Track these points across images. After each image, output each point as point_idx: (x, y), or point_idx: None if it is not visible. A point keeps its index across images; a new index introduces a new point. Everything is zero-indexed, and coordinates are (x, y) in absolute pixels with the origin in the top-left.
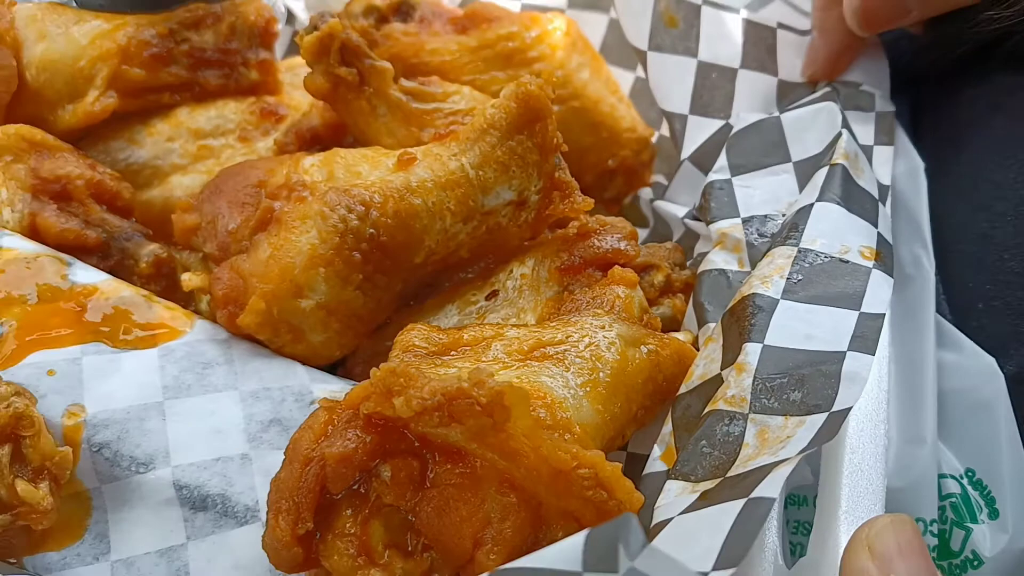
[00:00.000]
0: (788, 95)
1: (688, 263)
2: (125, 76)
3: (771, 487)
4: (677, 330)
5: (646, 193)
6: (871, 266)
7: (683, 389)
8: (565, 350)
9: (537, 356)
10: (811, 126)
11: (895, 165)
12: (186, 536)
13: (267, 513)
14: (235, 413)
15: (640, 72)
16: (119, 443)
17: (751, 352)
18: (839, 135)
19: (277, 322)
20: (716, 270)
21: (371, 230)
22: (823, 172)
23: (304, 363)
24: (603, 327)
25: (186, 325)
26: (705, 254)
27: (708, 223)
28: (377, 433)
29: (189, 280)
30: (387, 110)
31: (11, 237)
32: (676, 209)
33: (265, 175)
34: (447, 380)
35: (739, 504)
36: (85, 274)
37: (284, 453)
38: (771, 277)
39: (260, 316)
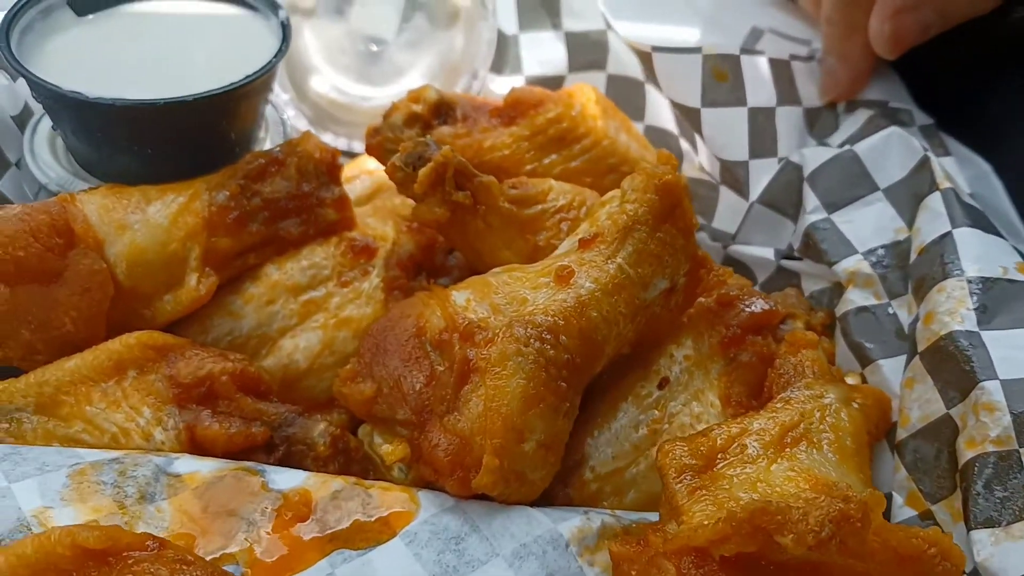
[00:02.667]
0: (815, 122)
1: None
2: (215, 248)
3: None
4: None
5: None
6: None
7: (902, 434)
8: (806, 429)
9: (788, 443)
10: (886, 152)
11: (962, 173)
12: None
13: None
14: None
15: (651, 121)
16: None
17: (993, 390)
18: (926, 158)
19: (508, 473)
20: (857, 308)
21: (566, 356)
22: (937, 198)
23: (523, 503)
24: (822, 395)
25: (409, 503)
26: (818, 292)
27: (829, 264)
28: (751, 570)
29: (392, 452)
30: (500, 223)
31: (182, 460)
32: (758, 251)
33: (417, 321)
34: (821, 507)
35: None
36: (282, 478)
37: None
38: (956, 311)
39: (495, 473)
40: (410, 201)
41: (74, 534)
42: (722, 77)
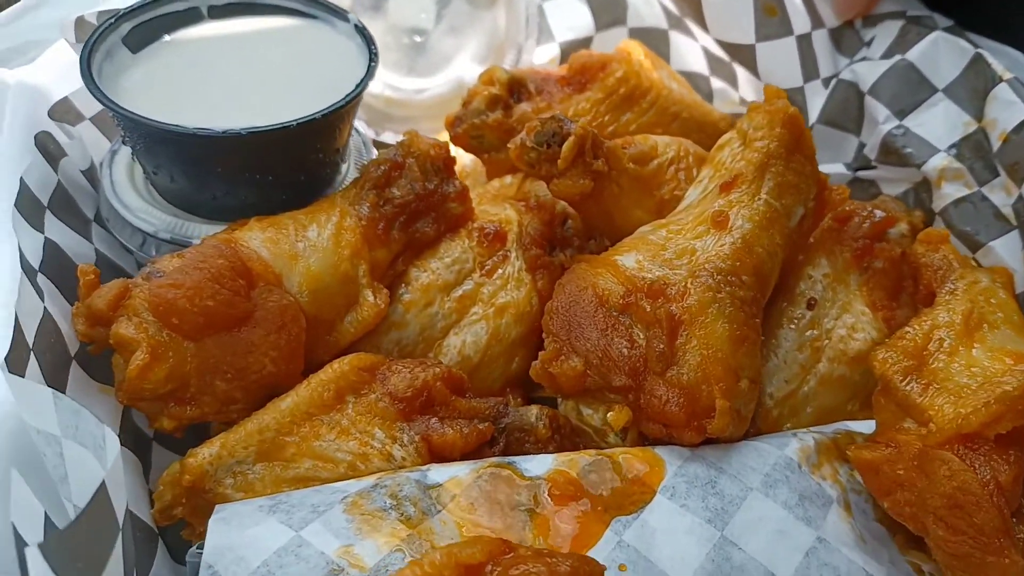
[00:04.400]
0: (841, 41)
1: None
2: (376, 261)
3: None
4: None
5: None
6: None
7: None
8: (980, 313)
9: (973, 328)
10: (936, 56)
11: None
12: None
13: None
14: (774, 508)
15: (676, 67)
16: None
17: None
18: (979, 55)
19: (734, 413)
20: (955, 200)
21: (751, 293)
22: (1005, 88)
23: (734, 440)
24: (978, 280)
25: (653, 461)
26: (901, 195)
27: (918, 167)
28: (1015, 443)
29: (617, 417)
30: (629, 184)
31: (433, 471)
32: (828, 168)
33: (595, 292)
34: None
35: None
36: (533, 465)
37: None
38: None
39: (728, 415)
40: (504, 181)
41: (456, 554)
42: (771, 11)
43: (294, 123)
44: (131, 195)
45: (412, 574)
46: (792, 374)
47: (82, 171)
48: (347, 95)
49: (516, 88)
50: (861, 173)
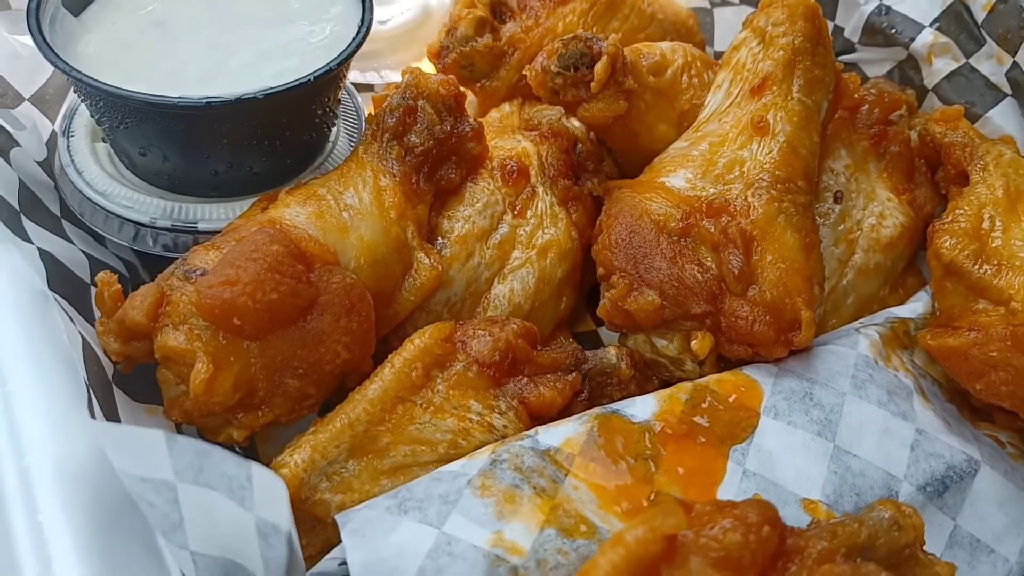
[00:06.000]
0: None
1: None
2: (420, 219)
3: None
4: None
5: None
6: None
7: None
8: (1016, 186)
9: (1014, 201)
10: None
11: None
12: None
13: None
14: (871, 409)
15: None
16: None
17: None
18: None
19: (816, 321)
20: (947, 74)
21: (808, 197)
22: None
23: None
24: (1002, 153)
25: (746, 382)
26: (886, 75)
27: (906, 46)
28: None
29: (702, 344)
30: (653, 98)
31: (542, 434)
32: None
33: (652, 219)
34: None
35: None
36: (637, 410)
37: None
38: None
39: (812, 324)
40: (503, 111)
41: (659, 527)
42: None
43: (311, 77)
44: (107, 182)
45: (617, 554)
46: (832, 269)
47: (37, 162)
48: (355, 36)
49: (498, 7)
50: (843, 57)
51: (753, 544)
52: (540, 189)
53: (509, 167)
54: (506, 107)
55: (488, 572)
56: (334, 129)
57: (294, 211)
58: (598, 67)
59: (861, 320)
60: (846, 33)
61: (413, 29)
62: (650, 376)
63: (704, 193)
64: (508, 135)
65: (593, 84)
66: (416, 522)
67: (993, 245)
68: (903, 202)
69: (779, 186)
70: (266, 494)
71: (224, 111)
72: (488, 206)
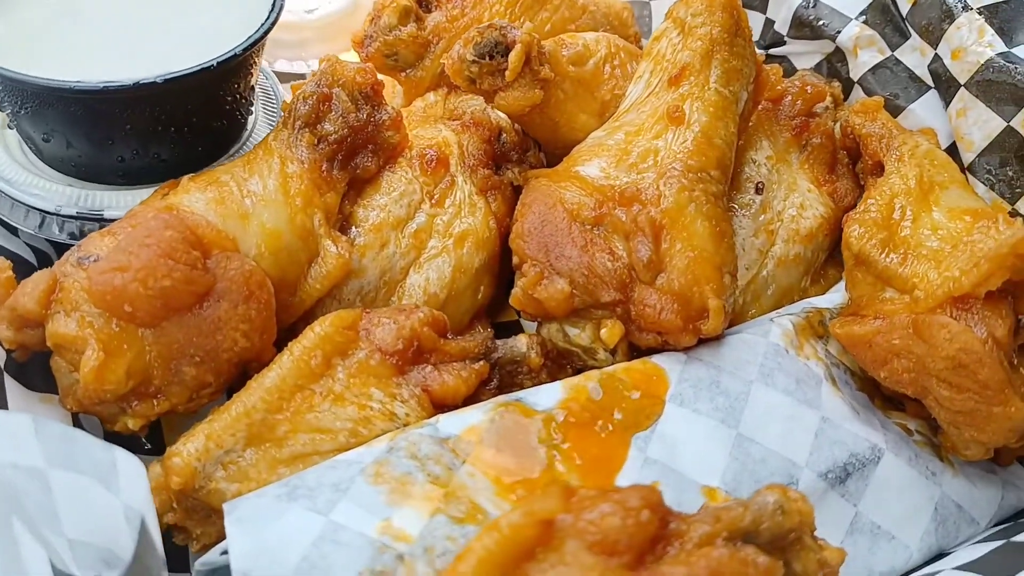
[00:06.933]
0: None
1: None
2: (328, 207)
3: None
4: None
5: None
6: None
7: (969, 157)
8: (929, 176)
9: (927, 191)
10: None
11: None
12: None
13: None
14: (777, 397)
15: None
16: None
17: None
18: None
19: (725, 310)
20: (872, 66)
21: (720, 186)
22: None
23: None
24: (918, 144)
25: (654, 371)
26: (814, 67)
27: (832, 38)
28: (1001, 297)
29: (611, 332)
30: (572, 87)
31: (443, 422)
32: None
33: (565, 207)
34: None
35: None
36: (541, 398)
37: None
38: (983, 39)
39: (721, 312)
40: (428, 100)
41: (535, 512)
42: None
43: (214, 63)
44: (14, 169)
45: (491, 539)
46: (752, 260)
47: None
48: (263, 23)
49: None
50: (773, 50)
51: (631, 528)
52: (459, 178)
53: (428, 156)
54: (431, 96)
55: (373, 559)
56: (251, 117)
57: (194, 197)
58: (512, 56)
59: (779, 310)
60: (776, 26)
61: (342, 19)
62: (564, 365)
63: (618, 182)
64: (430, 124)
65: (507, 73)
66: (304, 509)
67: (902, 234)
68: (824, 193)
69: (690, 175)
70: (129, 479)
71: (123, 96)
72: (405, 195)
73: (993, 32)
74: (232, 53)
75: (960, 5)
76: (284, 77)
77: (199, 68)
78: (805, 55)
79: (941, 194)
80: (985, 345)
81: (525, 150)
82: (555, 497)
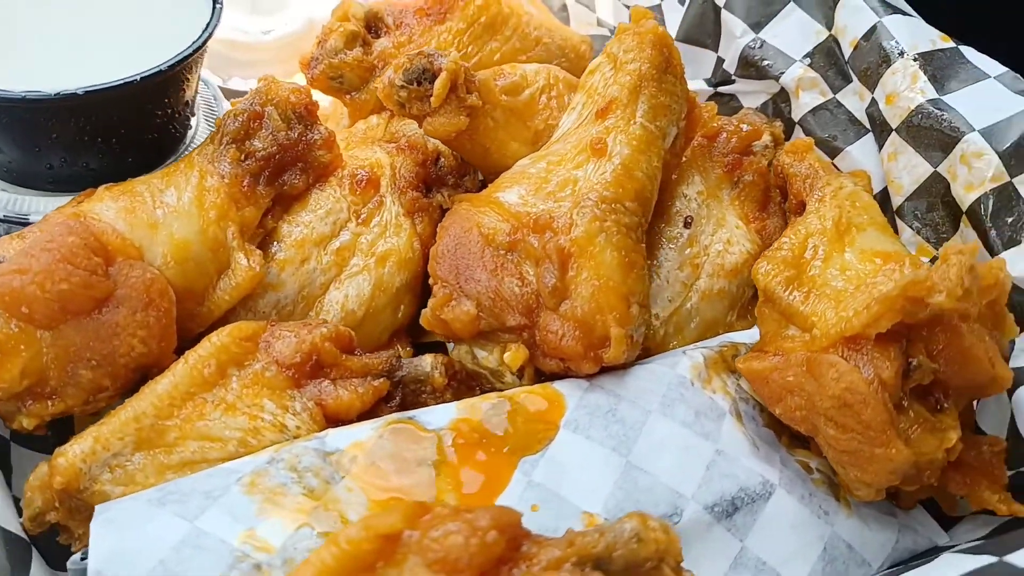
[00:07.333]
0: None
1: None
2: (245, 221)
3: None
4: None
5: None
6: (954, 44)
7: (898, 200)
8: (849, 218)
9: (843, 232)
10: None
11: None
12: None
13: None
14: (674, 428)
15: None
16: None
17: (975, 140)
18: None
19: (628, 339)
20: (813, 108)
21: (635, 218)
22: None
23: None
24: (842, 186)
25: (553, 396)
26: (760, 107)
27: (776, 78)
28: (893, 339)
29: (515, 357)
30: (504, 116)
31: (331, 436)
32: (688, 85)
33: (480, 232)
34: (953, 264)
35: None
36: (434, 417)
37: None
38: (915, 86)
39: (624, 341)
40: (370, 122)
41: (374, 526)
42: None
43: (138, 77)
44: None
45: (329, 553)
46: (675, 292)
47: None
48: (194, 42)
49: (373, 22)
50: (721, 88)
51: (474, 548)
52: (388, 199)
53: (359, 176)
54: (373, 119)
55: (230, 567)
56: (190, 131)
57: (105, 205)
58: (437, 82)
59: (697, 343)
60: (725, 64)
61: (296, 40)
62: (474, 387)
63: (534, 209)
64: (367, 146)
65: (432, 99)
66: (172, 515)
67: (810, 273)
68: (752, 230)
69: (604, 206)
70: None
71: (46, 106)
72: (331, 213)
73: (926, 79)
74: (158, 69)
75: (897, 51)
76: (239, 95)
77: (122, 82)
78: (752, 94)
79: (858, 236)
80: (870, 386)
81: (462, 175)
82: (397, 513)
